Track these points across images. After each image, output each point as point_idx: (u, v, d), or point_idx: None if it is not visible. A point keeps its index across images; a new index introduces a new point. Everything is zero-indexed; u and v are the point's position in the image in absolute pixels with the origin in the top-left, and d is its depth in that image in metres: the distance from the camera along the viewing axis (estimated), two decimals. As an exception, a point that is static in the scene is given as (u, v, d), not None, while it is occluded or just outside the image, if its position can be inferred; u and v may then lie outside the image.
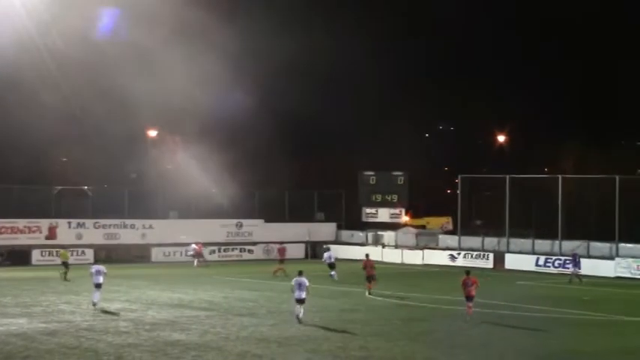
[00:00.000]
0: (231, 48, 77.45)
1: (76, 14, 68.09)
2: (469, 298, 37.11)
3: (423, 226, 79.15)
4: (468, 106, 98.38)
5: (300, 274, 37.05)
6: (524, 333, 34.72)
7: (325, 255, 57.87)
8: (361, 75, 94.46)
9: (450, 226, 78.85)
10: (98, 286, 40.59)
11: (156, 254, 69.55)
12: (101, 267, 41.59)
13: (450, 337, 33.22)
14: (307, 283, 36.57)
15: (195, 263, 65.89)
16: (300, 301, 36.34)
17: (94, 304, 40.08)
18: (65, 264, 54.70)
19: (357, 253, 73.20)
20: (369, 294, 46.45)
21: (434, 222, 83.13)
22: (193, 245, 67.66)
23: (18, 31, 65.64)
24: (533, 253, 65.76)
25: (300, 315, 36.12)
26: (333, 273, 55.17)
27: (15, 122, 73.49)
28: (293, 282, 36.91)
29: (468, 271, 39.25)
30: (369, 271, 47.75)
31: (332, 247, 66.88)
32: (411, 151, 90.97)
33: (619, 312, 42.10)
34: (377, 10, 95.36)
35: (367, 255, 50.41)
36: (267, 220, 76.64)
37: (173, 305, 42.12)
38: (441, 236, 74.83)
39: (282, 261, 59.82)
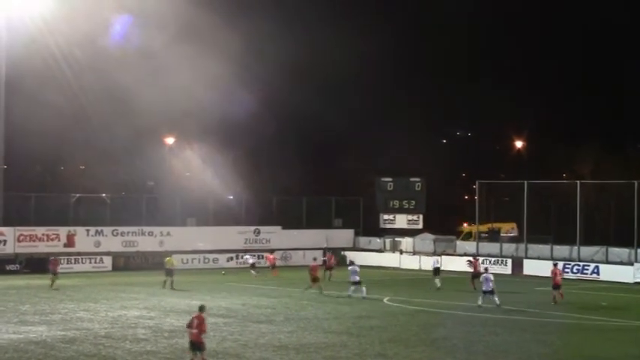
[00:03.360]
0: (246, 54, 77.91)
1: (90, 22, 68.52)
2: None
3: (487, 232, 78.17)
4: (485, 112, 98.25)
5: (352, 263, 51.40)
6: (541, 339, 34.60)
7: (350, 269, 51.01)
8: (378, 80, 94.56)
9: (515, 232, 78.09)
10: None
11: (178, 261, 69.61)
12: None
13: (468, 344, 33.14)
14: (358, 269, 49.39)
15: (254, 273, 63.83)
16: (356, 283, 48.33)
17: None
18: (169, 271, 54.05)
19: (374, 259, 73.35)
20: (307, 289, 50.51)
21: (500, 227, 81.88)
22: (247, 256, 67.56)
23: (34, 39, 66.07)
24: (552, 258, 65.43)
25: (363, 294, 47.49)
26: (352, 289, 49.49)
27: (32, 130, 73.78)
28: (349, 269, 49.31)
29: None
30: (314, 273, 51.80)
31: (350, 254, 66.86)
32: (428, 157, 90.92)
33: (637, 318, 41.93)
34: (393, 11, 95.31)
35: (315, 259, 54.89)
36: (285, 227, 76.64)
37: (191, 312, 41.81)
38: (458, 242, 74.69)
39: (329, 268, 59.92)
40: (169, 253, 68.73)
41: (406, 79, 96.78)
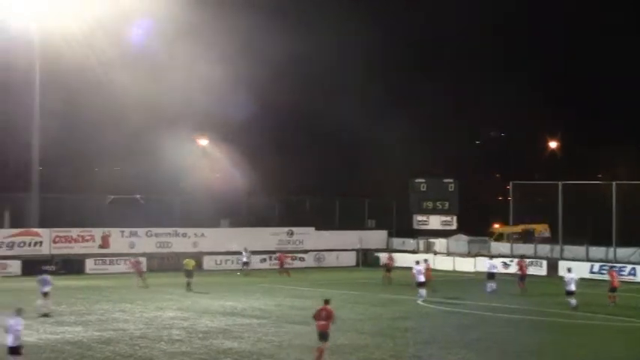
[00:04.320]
0: (280, 56, 78.07)
1: (122, 26, 68.93)
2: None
3: (520, 233, 77.76)
4: (518, 112, 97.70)
5: (418, 263, 49.48)
6: (576, 341, 34.42)
7: (415, 269, 49.15)
8: (412, 83, 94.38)
9: (548, 233, 77.66)
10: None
11: (207, 262, 69.81)
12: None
13: (502, 345, 33.01)
14: (423, 270, 48.32)
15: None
16: (422, 285, 47.19)
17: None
18: (189, 273, 54.10)
19: (408, 260, 73.14)
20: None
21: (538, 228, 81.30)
22: (244, 254, 67.74)
23: (68, 42, 66.51)
24: (588, 260, 65.05)
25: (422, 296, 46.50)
26: (422, 292, 47.77)
27: (67, 132, 74.38)
28: (415, 270, 47.68)
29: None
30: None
31: (384, 255, 66.65)
32: (461, 158, 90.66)
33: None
34: (426, 6, 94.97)
35: (417, 262, 51.37)
36: (318, 228, 76.66)
37: (225, 313, 42.28)
38: (492, 243, 74.36)
39: (388, 269, 59.42)
40: (202, 254, 69.32)
41: (440, 80, 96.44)
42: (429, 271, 51.96)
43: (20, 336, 26.38)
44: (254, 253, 70.49)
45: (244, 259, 67.42)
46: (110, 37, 69.29)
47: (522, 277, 53.65)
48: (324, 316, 28.93)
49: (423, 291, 47.55)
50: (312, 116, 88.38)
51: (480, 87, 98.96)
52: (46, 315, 40.04)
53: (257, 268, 69.47)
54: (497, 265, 55.10)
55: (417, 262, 51.54)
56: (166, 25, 71.55)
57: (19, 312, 26.83)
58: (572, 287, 44.92)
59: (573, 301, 44.32)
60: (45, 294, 41.27)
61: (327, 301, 29.48)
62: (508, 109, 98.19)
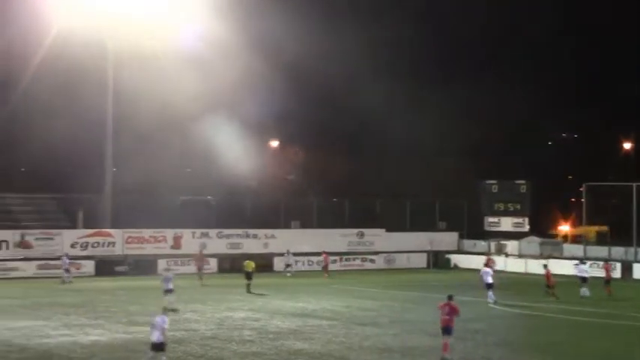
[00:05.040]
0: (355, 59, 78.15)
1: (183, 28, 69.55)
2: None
3: (580, 235, 76.79)
4: (592, 113, 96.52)
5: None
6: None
7: (483, 271, 48.35)
8: (485, 84, 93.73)
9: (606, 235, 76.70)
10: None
11: (278, 264, 70.03)
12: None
13: (576, 349, 32.59)
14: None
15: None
16: (490, 286, 46.25)
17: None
18: (249, 274, 54.28)
19: (479, 262, 72.62)
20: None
21: (591, 230, 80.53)
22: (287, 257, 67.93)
23: (138, 44, 67.20)
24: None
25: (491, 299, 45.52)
26: (491, 294, 46.90)
27: (138, 133, 75.16)
28: (482, 271, 47.19)
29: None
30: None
31: (455, 257, 66.24)
32: (533, 159, 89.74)
33: None
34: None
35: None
36: (389, 230, 76.46)
37: (296, 314, 42.36)
38: (565, 245, 73.47)
39: (549, 286, 54.13)
40: (273, 255, 69.57)
41: (512, 80, 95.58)
42: (549, 275, 51.15)
43: (166, 333, 27.43)
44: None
45: (288, 261, 67.52)
46: (178, 41, 70.04)
47: (607, 280, 52.76)
48: (447, 311, 30.19)
49: (491, 293, 47.01)
50: (385, 119, 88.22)
51: (552, 87, 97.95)
52: (174, 310, 40.67)
53: (328, 269, 69.70)
54: (587, 269, 54.08)
55: (485, 264, 51.10)
56: (237, 35, 72.08)
57: (165, 311, 28.18)
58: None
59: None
60: (169, 291, 43.38)
61: (450, 297, 30.68)
62: (581, 109, 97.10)
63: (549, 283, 50.61)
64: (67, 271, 59.57)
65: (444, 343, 29.96)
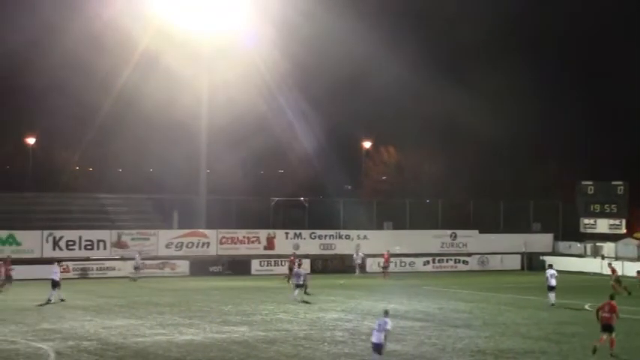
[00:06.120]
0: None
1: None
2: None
3: None
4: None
5: (550, 267, 48.32)
6: None
7: (549, 273, 48.01)
8: (577, 81, 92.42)
9: None
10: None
11: (370, 265, 69.96)
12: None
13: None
14: (556, 273, 47.13)
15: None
16: (552, 288, 46.41)
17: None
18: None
19: (575, 265, 71.59)
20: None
21: None
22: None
23: (234, 47, 67.93)
24: None
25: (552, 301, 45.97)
26: (551, 297, 46.90)
27: (231, 135, 75.93)
28: (547, 273, 47.04)
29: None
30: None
31: (550, 259, 65.16)
32: (630, 160, 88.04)
33: None
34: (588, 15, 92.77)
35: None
36: (482, 231, 75.83)
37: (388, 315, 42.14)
38: (663, 248, 71.91)
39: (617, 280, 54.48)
40: (365, 257, 69.50)
41: (606, 77, 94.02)
42: (614, 271, 51.15)
43: (388, 335, 28.02)
44: (418, 256, 70.50)
45: (358, 261, 67.45)
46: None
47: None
48: (607, 309, 31.34)
49: (552, 295, 46.63)
50: (478, 121, 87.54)
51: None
52: (306, 302, 45.96)
53: (421, 270, 69.55)
54: None
55: (550, 266, 50.22)
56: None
57: (386, 313, 28.43)
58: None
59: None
60: (300, 286, 47.72)
61: (611, 296, 32.18)
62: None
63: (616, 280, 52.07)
64: (137, 268, 60.58)
65: (603, 339, 31.03)
